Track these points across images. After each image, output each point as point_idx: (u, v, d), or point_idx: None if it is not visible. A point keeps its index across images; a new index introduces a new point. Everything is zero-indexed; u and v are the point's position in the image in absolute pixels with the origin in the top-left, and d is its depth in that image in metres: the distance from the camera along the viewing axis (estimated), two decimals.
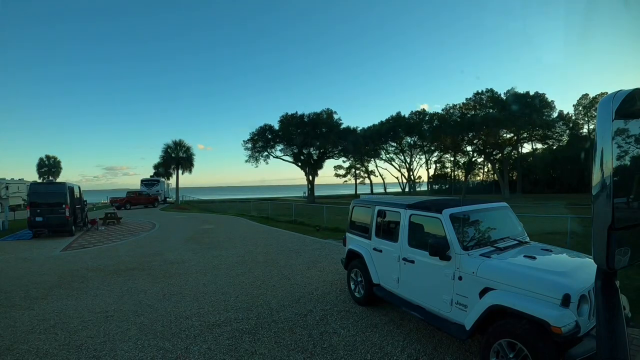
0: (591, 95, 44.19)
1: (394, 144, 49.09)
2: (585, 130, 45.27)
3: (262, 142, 45.58)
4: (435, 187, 56.02)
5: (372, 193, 47.34)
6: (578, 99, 46.23)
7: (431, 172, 54.36)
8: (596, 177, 1.05)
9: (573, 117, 45.20)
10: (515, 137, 41.76)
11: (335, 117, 45.55)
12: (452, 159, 51.20)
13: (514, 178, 47.86)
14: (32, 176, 63.22)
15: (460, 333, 3.46)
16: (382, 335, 4.28)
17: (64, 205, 13.38)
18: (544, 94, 39.32)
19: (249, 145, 45.64)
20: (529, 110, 37.68)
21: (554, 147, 44.87)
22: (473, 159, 48.07)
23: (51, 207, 13.26)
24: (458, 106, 43.27)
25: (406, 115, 47.02)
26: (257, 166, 46.29)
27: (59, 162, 56.32)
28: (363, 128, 48.24)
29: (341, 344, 4.08)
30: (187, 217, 22.10)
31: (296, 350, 3.96)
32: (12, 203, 28.45)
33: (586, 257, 3.71)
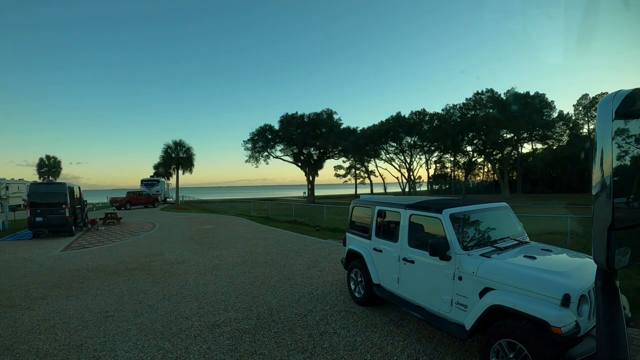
0: (591, 95, 44.22)
1: (394, 144, 49.05)
2: (585, 130, 45.24)
3: (262, 142, 45.60)
4: (435, 187, 55.99)
5: (372, 193, 47.39)
6: (578, 99, 46.24)
7: (431, 172, 54.41)
8: (596, 177, 1.05)
9: (573, 117, 45.18)
10: (515, 137, 41.75)
11: (335, 117, 45.65)
12: (452, 159, 51.19)
13: (514, 178, 47.82)
14: (32, 176, 63.29)
15: (460, 333, 3.46)
16: (382, 335, 4.28)
17: (64, 206, 13.38)
18: (544, 94, 39.35)
19: (249, 145, 45.68)
20: (528, 110, 37.70)
21: (554, 147, 44.84)
22: (473, 159, 48.04)
23: (51, 207, 13.26)
24: (458, 106, 43.27)
25: (406, 115, 46.97)
26: (257, 166, 46.42)
27: (59, 162, 56.39)
28: (363, 128, 48.33)
29: (341, 344, 4.08)
30: (187, 217, 22.09)
31: (296, 350, 3.96)
32: (12, 203, 28.45)
33: (586, 257, 3.71)
